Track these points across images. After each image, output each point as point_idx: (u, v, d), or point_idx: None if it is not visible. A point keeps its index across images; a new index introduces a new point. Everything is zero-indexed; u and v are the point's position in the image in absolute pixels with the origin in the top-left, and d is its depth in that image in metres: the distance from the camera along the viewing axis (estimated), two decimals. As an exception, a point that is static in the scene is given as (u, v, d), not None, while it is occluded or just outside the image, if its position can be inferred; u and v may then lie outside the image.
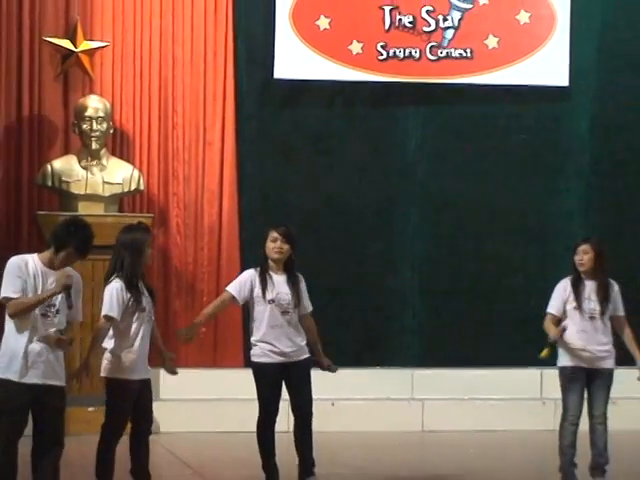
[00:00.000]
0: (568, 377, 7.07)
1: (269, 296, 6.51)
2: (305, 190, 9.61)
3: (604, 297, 7.06)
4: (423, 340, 9.75)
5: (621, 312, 7.16)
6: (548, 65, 9.89)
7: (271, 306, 6.51)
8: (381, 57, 9.68)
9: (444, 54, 9.77)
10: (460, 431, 9.31)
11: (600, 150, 10.17)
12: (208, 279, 9.42)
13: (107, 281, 6.11)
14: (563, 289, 7.10)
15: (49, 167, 8.95)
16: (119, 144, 9.27)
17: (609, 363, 7.04)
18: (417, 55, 9.69)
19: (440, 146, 10.02)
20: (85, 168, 8.89)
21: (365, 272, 9.44)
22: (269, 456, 6.64)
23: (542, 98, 10.08)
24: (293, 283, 6.65)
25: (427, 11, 9.67)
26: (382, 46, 9.65)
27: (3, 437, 5.50)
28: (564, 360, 7.04)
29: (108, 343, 6.09)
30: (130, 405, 6.06)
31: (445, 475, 8.08)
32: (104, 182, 8.92)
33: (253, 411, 6.62)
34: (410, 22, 9.61)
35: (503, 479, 8.10)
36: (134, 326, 6.08)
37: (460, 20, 9.71)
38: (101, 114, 8.86)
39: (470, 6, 9.70)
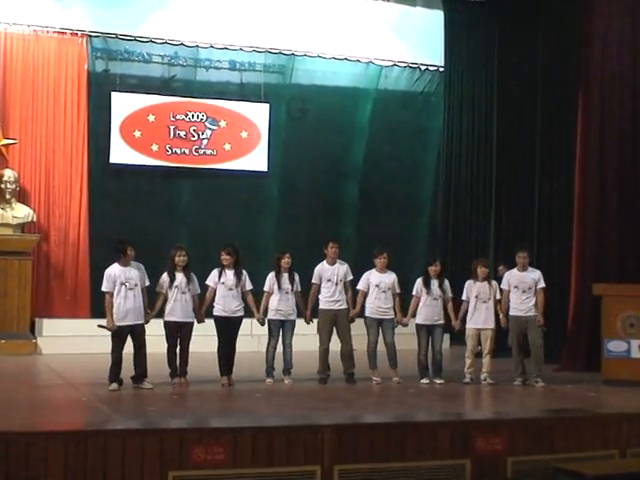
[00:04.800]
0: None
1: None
2: (123, 223, 14.37)
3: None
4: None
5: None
6: (257, 160, 15.82)
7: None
8: (168, 153, 15.29)
9: (202, 152, 15.50)
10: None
11: (285, 204, 15.90)
12: (70, 271, 14.75)
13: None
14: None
15: (-20, 208, 14.18)
16: (23, 196, 14.49)
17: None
18: (187, 152, 15.36)
19: (201, 201, 15.54)
20: (2, 208, 14.10)
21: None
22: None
23: (254, 177, 15.89)
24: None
25: (193, 129, 15.46)
26: (169, 147, 15.29)
27: None
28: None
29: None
30: None
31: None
32: (13, 216, 14.14)
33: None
34: (184, 134, 15.38)
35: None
36: None
37: (211, 134, 15.53)
38: (12, 179, 14.17)
39: (216, 127, 15.57)
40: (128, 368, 10.37)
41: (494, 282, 11.38)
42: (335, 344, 11.36)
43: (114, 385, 10.26)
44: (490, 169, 15.58)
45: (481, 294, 11.23)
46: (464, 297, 11.27)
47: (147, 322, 10.47)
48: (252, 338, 12.69)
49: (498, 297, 11.25)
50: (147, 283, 10.51)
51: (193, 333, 10.90)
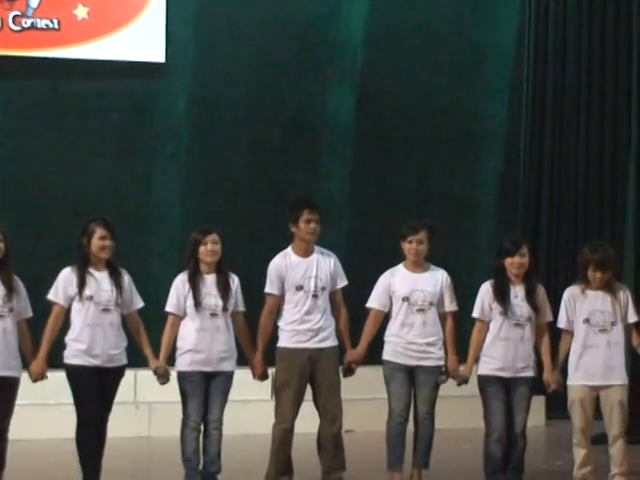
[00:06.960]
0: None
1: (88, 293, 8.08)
2: None
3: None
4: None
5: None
6: (143, 38, 11.75)
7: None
8: (-45, 26, 11.48)
9: (29, 24, 11.42)
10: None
11: (195, 131, 12.09)
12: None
13: None
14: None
15: None
16: None
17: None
18: (-3, 24, 11.48)
19: (27, 130, 11.51)
20: None
21: None
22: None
23: (136, 74, 11.89)
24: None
25: (8, -25, 11.27)
26: (-45, 15, 11.41)
27: None
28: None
29: None
30: None
31: None
32: None
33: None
34: (-12, -13, 11.29)
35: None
36: None
37: (46, -12, 11.43)
38: None
39: (57, -29, 11.39)
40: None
41: (623, 293, 9.10)
42: (308, 420, 8.86)
43: None
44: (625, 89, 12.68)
45: (596, 316, 9.02)
46: (562, 323, 8.97)
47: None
48: (137, 410, 11.01)
49: (634, 319, 9.03)
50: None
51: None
